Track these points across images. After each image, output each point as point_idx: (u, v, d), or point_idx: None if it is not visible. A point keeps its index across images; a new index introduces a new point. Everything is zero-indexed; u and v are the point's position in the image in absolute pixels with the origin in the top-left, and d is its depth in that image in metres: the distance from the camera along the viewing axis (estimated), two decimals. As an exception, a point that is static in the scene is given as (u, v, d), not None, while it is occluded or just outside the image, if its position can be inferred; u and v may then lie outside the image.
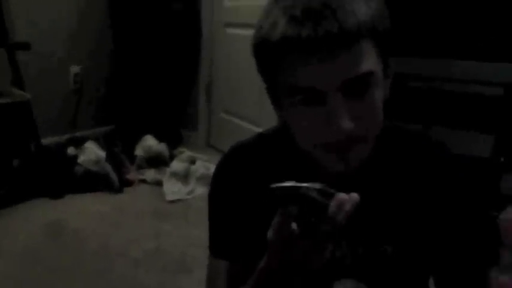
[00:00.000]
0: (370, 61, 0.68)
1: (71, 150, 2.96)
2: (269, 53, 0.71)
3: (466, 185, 0.83)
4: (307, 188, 0.63)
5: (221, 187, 0.89)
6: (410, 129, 0.86)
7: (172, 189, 2.78)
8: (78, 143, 3.06)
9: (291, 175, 0.70)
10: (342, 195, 0.64)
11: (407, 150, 0.83)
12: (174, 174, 2.88)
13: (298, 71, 0.68)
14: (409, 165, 0.82)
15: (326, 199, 0.64)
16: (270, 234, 0.68)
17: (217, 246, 0.90)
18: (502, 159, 2.19)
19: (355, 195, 0.64)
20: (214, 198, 0.90)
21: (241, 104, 3.27)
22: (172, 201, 2.68)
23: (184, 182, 2.86)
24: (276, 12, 0.69)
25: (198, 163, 3.03)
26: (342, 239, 0.82)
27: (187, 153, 3.18)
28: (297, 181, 0.64)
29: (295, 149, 0.79)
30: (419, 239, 0.81)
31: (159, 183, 2.86)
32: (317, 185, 0.64)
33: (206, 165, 3.00)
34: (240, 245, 0.86)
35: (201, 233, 2.28)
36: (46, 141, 3.00)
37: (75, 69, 3.33)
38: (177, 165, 2.96)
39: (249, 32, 2.74)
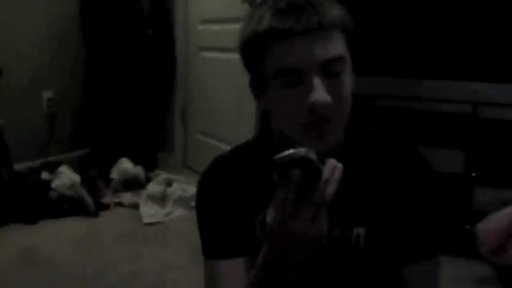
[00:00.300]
0: (341, 48, 0.81)
1: (44, 175, 2.93)
2: (256, 44, 0.81)
3: (430, 179, 0.92)
4: (306, 150, 0.68)
5: (207, 191, 0.96)
6: (388, 132, 0.97)
7: (149, 211, 2.76)
8: (52, 167, 3.02)
9: (266, 175, 0.80)
10: (333, 160, 0.72)
11: (379, 144, 0.93)
12: (151, 197, 2.87)
13: (284, 55, 0.79)
14: (379, 158, 0.92)
15: (320, 163, 0.69)
16: (269, 218, 0.74)
17: (213, 248, 0.94)
18: (474, 175, 2.25)
19: (340, 164, 0.72)
20: (202, 202, 0.97)
21: (217, 125, 3.29)
22: (150, 224, 2.66)
23: (161, 205, 2.84)
24: (262, 10, 0.81)
25: (175, 185, 3.02)
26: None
27: (163, 175, 3.17)
28: (273, 182, 0.71)
29: (271, 152, 0.85)
30: (389, 224, 0.89)
31: (135, 206, 2.84)
32: (311, 150, 0.69)
33: (183, 187, 3.00)
34: (234, 241, 0.90)
35: (178, 255, 2.28)
36: (19, 166, 2.96)
37: (48, 94, 3.31)
38: (153, 187, 2.95)
39: (223, 56, 2.82)
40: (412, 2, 2.30)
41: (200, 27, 3.40)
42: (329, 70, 0.78)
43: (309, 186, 0.68)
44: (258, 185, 0.89)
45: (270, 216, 0.73)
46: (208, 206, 0.95)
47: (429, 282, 0.90)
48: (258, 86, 0.86)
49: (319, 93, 0.77)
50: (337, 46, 0.79)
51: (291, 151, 0.67)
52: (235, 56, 3.17)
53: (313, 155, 0.68)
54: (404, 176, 0.90)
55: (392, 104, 2.36)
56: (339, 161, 0.82)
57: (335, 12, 0.80)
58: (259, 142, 0.97)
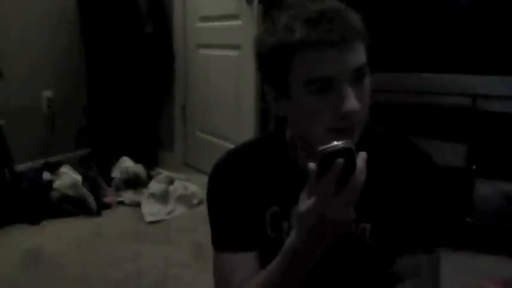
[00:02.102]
0: (364, 56, 0.84)
1: (46, 176, 2.93)
2: (285, 54, 0.82)
3: (432, 176, 0.94)
4: (348, 142, 0.75)
5: (219, 183, 0.99)
6: (393, 132, 0.99)
7: (151, 210, 2.76)
8: (54, 167, 3.03)
9: (277, 172, 0.94)
10: (363, 153, 0.76)
11: (389, 147, 0.95)
12: (153, 195, 2.87)
13: (317, 65, 0.80)
14: (388, 159, 0.93)
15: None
16: (301, 206, 0.77)
17: (223, 240, 0.98)
18: (474, 168, 2.25)
19: (365, 154, 0.76)
20: (213, 194, 1.00)
21: (217, 123, 3.29)
22: (152, 222, 2.66)
23: (163, 203, 2.85)
24: (287, 18, 0.82)
25: (177, 183, 3.03)
26: None
27: (165, 173, 3.17)
28: (284, 179, 0.85)
29: (280, 148, 0.95)
30: (394, 219, 0.91)
31: (137, 205, 2.85)
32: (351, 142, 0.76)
33: (184, 184, 3.00)
34: (244, 235, 0.94)
35: (181, 252, 2.29)
36: (21, 167, 2.97)
37: (47, 94, 3.31)
38: (155, 185, 2.96)
39: (222, 52, 2.82)
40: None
41: (198, 24, 3.40)
42: (356, 77, 0.82)
43: (347, 175, 0.74)
44: (269, 180, 0.94)
45: (303, 204, 0.77)
46: (220, 198, 0.99)
47: (428, 274, 0.92)
48: (279, 93, 0.87)
49: (352, 101, 0.80)
50: (362, 54, 0.83)
51: (335, 143, 0.74)
52: (234, 53, 3.21)
53: (354, 147, 0.74)
54: (408, 174, 0.93)
55: (391, 98, 2.36)
56: None
57: (359, 23, 0.83)
58: (272, 140, 0.99)
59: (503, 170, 2.22)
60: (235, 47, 2.95)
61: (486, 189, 2.22)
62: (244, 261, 0.93)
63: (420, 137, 2.23)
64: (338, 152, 0.73)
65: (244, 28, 2.83)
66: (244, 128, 2.88)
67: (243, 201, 0.95)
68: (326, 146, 0.74)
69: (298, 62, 0.82)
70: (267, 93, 0.91)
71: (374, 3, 2.29)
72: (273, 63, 0.85)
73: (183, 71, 3.58)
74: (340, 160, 0.73)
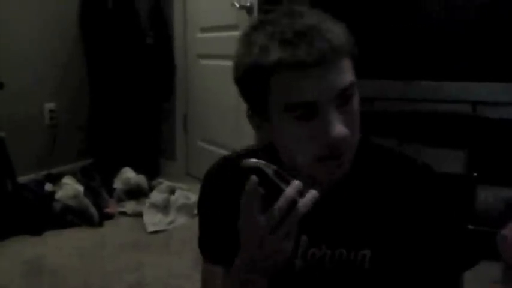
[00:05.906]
0: (351, 73, 0.76)
1: (48, 187, 2.94)
2: (261, 76, 0.75)
3: (442, 199, 0.87)
4: (264, 164, 0.72)
5: (209, 192, 0.96)
6: (389, 147, 0.92)
7: (153, 220, 2.77)
8: (56, 178, 3.04)
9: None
10: (297, 183, 0.71)
11: (387, 165, 0.88)
12: (154, 205, 2.87)
13: (296, 89, 0.73)
14: (388, 179, 0.86)
15: (282, 181, 0.71)
16: (240, 222, 0.74)
17: (208, 251, 0.96)
18: (475, 175, 2.25)
19: (314, 192, 0.71)
20: (203, 204, 0.98)
21: (218, 132, 3.30)
22: (153, 233, 2.66)
23: (165, 213, 2.85)
24: (262, 38, 0.75)
25: (178, 193, 3.03)
26: (322, 241, 0.86)
27: (166, 183, 3.17)
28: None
29: (272, 160, 0.83)
30: (396, 246, 0.84)
31: (139, 215, 2.85)
32: (273, 166, 0.72)
33: (186, 194, 3.00)
34: (229, 249, 0.86)
35: (183, 263, 2.29)
36: (23, 178, 2.97)
37: (50, 105, 3.33)
38: (156, 196, 2.96)
39: (222, 63, 2.84)
40: (412, 4, 2.32)
41: (199, 35, 3.42)
42: (342, 99, 0.75)
43: (272, 199, 0.70)
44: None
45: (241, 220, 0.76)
46: (209, 207, 0.95)
47: None
48: (261, 117, 0.81)
49: (339, 128, 0.73)
50: (347, 72, 0.75)
51: (256, 160, 0.72)
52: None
53: (270, 172, 0.71)
54: (409, 193, 0.85)
55: (392, 106, 2.36)
56: (346, 181, 0.83)
57: (343, 38, 0.75)
58: (265, 151, 0.90)
59: (505, 176, 2.21)
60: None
61: (487, 196, 2.21)
62: (222, 274, 0.89)
63: (421, 144, 2.24)
64: (252, 169, 0.71)
65: (244, 38, 2.84)
66: (244, 138, 2.89)
67: (230, 211, 0.84)
68: (245, 160, 0.72)
69: (275, 85, 0.75)
70: (250, 122, 0.85)
71: (373, 11, 2.31)
72: (251, 85, 0.78)
73: (183, 81, 3.60)
74: (254, 177, 0.70)
